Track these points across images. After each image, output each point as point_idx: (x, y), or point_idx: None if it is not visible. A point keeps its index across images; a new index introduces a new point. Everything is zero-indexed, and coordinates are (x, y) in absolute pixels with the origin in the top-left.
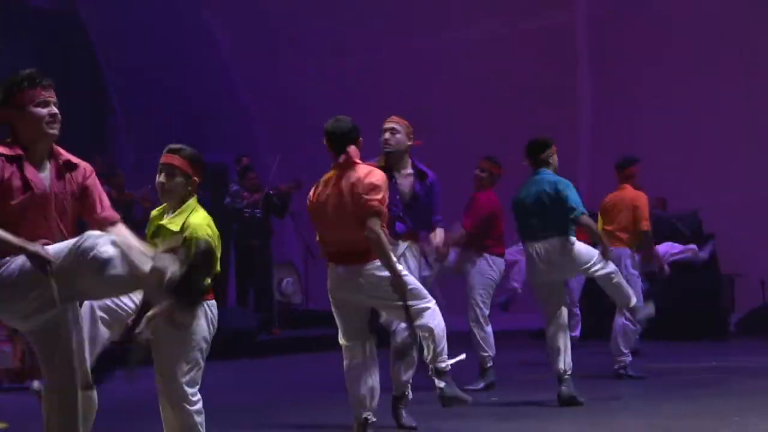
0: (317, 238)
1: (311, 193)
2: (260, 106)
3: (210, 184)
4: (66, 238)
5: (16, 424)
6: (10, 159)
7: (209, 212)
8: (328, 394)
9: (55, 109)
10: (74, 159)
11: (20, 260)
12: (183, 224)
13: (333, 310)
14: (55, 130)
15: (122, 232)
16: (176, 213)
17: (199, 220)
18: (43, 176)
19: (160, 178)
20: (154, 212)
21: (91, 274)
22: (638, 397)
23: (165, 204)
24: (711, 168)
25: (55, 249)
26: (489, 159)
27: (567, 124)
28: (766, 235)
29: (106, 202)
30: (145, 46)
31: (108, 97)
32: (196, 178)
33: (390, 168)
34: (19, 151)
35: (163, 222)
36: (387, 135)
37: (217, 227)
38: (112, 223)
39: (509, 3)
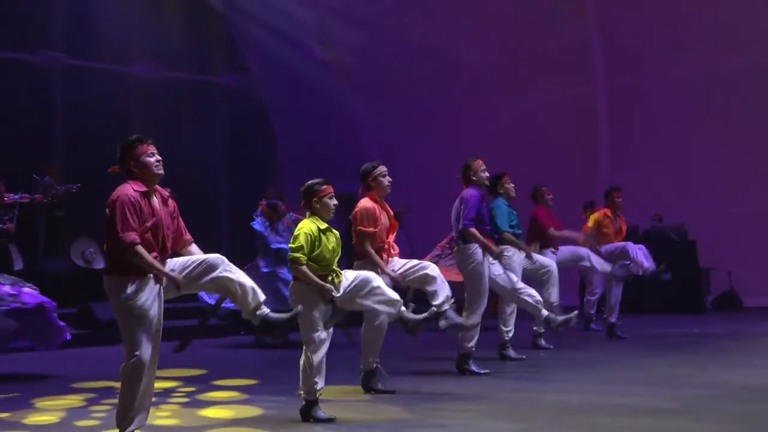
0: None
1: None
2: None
3: (344, 208)
4: (169, 256)
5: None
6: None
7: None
8: (429, 350)
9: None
10: (165, 193)
11: (146, 294)
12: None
13: None
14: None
15: (198, 250)
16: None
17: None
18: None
19: (334, 201)
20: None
21: (205, 286)
22: (637, 353)
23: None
24: (695, 191)
25: (178, 266)
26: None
27: (589, 166)
28: (732, 240)
29: (184, 225)
30: (304, 118)
31: (276, 150)
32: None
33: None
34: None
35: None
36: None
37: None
38: (190, 243)
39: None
